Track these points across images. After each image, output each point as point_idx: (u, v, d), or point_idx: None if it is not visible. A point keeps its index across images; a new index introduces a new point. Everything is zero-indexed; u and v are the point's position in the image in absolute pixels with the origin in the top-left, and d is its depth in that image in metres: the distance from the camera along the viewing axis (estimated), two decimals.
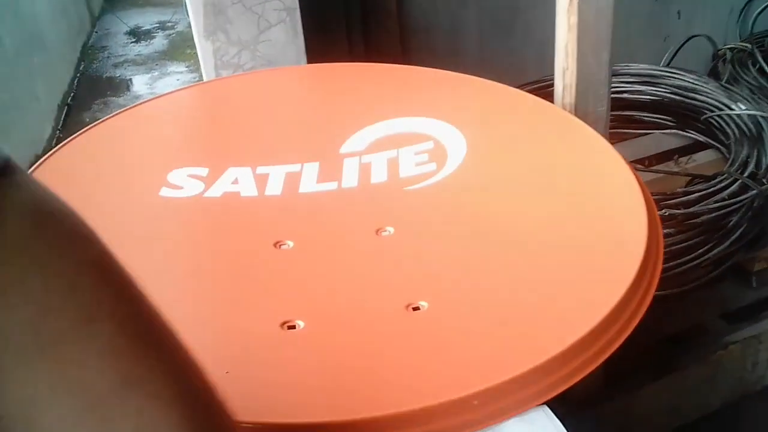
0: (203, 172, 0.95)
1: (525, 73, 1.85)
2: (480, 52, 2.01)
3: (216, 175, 0.94)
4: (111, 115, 1.10)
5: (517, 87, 1.77)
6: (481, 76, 1.17)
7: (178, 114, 1.18)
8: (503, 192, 0.92)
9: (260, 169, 0.96)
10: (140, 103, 1.19)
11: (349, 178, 0.94)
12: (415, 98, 1.15)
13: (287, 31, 1.34)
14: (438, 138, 1.02)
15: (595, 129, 1.01)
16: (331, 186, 0.93)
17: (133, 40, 4.54)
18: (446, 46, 1.96)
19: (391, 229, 0.83)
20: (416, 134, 1.03)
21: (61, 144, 1.00)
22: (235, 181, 0.94)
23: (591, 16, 1.07)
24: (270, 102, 1.17)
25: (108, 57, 4.30)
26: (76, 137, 1.02)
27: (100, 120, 1.08)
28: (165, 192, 0.91)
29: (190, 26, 1.36)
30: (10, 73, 3.15)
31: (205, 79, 1.35)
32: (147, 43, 4.46)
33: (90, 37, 4.61)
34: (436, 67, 1.22)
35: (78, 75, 4.09)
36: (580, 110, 1.11)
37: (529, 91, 1.73)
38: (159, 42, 4.48)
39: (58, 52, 3.89)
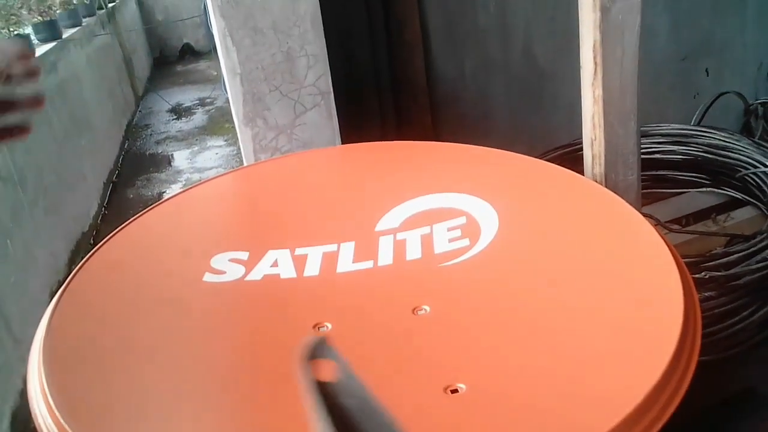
0: (244, 255, 0.98)
1: (555, 136, 1.88)
2: (509, 119, 2.05)
3: (256, 258, 0.98)
4: (156, 204, 1.15)
5: (548, 151, 1.80)
6: (510, 142, 1.20)
7: (218, 200, 1.22)
8: (536, 267, 0.92)
9: (299, 251, 0.99)
10: (183, 191, 1.24)
11: (385, 256, 0.97)
12: (446, 174, 1.18)
13: (322, 114, 1.39)
14: (470, 213, 1.04)
15: (626, 197, 1.02)
16: (368, 265, 0.95)
17: (175, 117, 4.74)
18: (475, 114, 2.00)
19: (427, 308, 0.84)
20: (449, 209, 1.06)
21: (110, 235, 1.05)
22: (275, 264, 0.97)
23: (616, 87, 1.09)
24: (306, 183, 1.21)
25: (151, 134, 4.49)
26: (123, 228, 1.07)
27: (146, 209, 1.13)
28: (208, 277, 0.94)
29: (227, 101, 1.43)
30: (59, 153, 3.30)
31: (245, 162, 1.40)
32: (187, 119, 4.65)
33: (134, 116, 4.82)
34: (465, 135, 1.25)
35: (122, 153, 4.27)
36: (610, 180, 1.12)
37: (560, 155, 1.75)
38: (199, 118, 4.66)
39: (104, 132, 4.08)
